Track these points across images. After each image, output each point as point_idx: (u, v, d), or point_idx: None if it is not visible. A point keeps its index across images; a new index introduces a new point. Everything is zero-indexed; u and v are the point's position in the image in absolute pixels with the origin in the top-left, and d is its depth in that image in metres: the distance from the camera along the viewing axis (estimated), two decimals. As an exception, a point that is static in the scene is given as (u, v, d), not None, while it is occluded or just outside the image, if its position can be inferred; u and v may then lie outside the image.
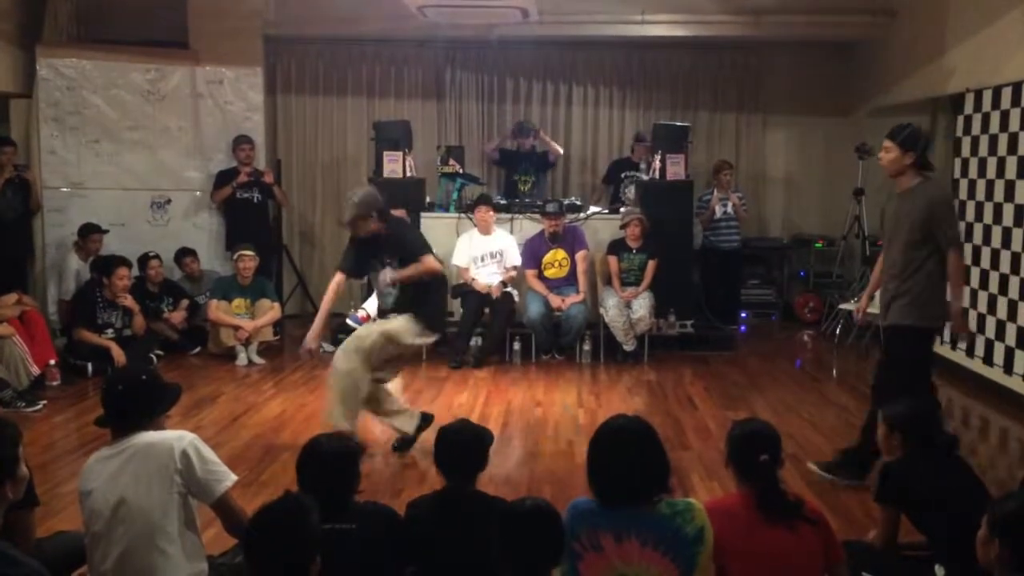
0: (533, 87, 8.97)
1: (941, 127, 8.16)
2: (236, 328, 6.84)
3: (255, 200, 7.84)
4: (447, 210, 7.45)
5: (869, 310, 4.72)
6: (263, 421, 5.34)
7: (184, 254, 7.56)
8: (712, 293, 8.05)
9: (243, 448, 4.80)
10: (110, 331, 6.51)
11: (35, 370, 5.77)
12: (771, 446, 2.59)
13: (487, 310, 6.96)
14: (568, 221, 7.15)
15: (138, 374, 2.86)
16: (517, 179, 8.04)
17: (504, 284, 6.98)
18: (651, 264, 6.97)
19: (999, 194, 6.09)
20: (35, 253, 7.53)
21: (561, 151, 8.26)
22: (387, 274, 4.57)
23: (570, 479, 4.28)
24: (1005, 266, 5.99)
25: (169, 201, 7.93)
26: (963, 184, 6.64)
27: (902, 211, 4.16)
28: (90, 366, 6.30)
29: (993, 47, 6.15)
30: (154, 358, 6.72)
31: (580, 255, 7.06)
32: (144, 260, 7.10)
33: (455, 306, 7.08)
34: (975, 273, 6.41)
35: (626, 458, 2.43)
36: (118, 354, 6.30)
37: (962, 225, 6.61)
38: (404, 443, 4.69)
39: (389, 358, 4.58)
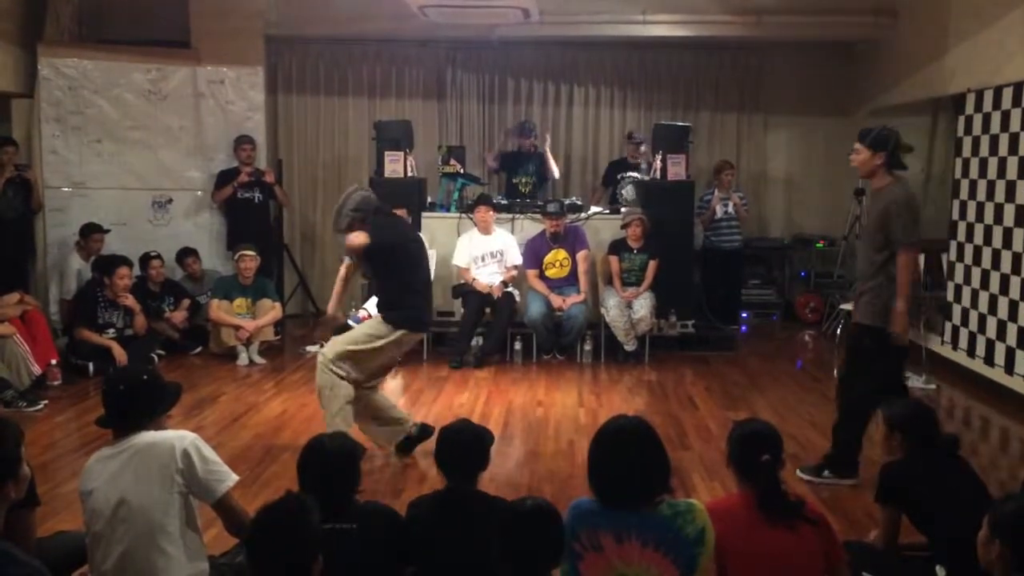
0: (534, 87, 8.97)
1: (942, 127, 8.18)
2: (237, 328, 6.85)
3: (256, 200, 7.84)
4: (448, 210, 7.46)
5: None
6: (264, 421, 5.35)
7: (185, 254, 7.57)
8: (713, 293, 8.04)
9: (244, 448, 4.80)
10: (111, 331, 6.51)
11: (36, 370, 5.78)
12: (772, 446, 2.59)
13: (488, 310, 6.97)
14: (569, 221, 7.15)
15: (139, 374, 2.86)
16: (517, 181, 8.03)
17: (505, 284, 6.99)
18: (652, 264, 6.97)
19: (1000, 194, 6.09)
20: (36, 253, 7.53)
21: (558, 175, 8.16)
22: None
23: (571, 479, 4.29)
24: (1006, 266, 5.99)
25: (170, 201, 7.94)
26: (964, 184, 6.64)
27: (872, 212, 4.27)
28: (91, 366, 6.30)
29: (994, 47, 6.15)
30: (155, 358, 6.72)
31: (581, 255, 7.07)
32: (145, 260, 7.10)
33: (456, 306, 7.09)
34: (976, 273, 6.41)
35: (627, 458, 2.43)
36: (119, 354, 6.31)
37: (963, 225, 6.63)
38: (407, 444, 4.67)
39: (370, 364, 4.51)
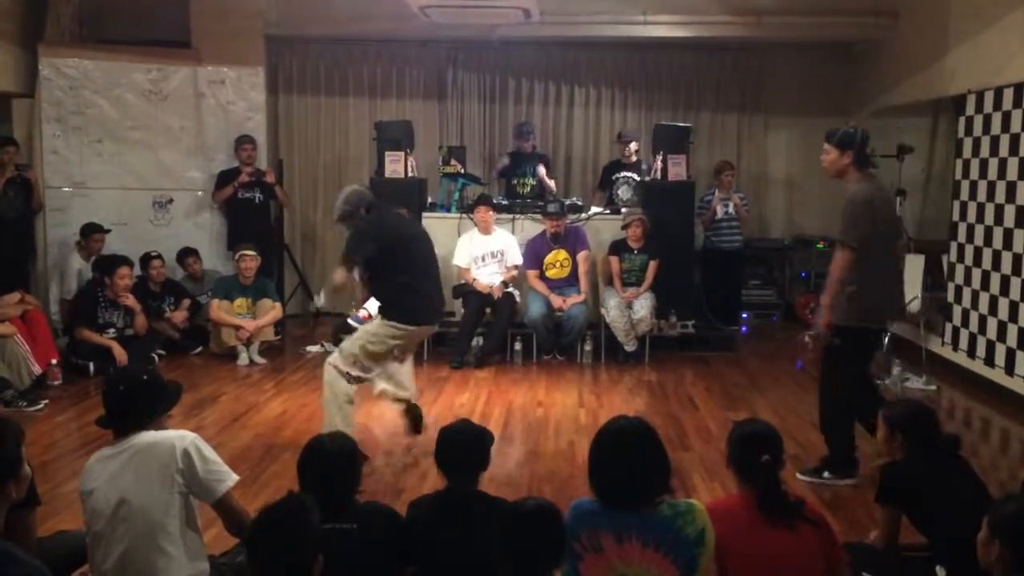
0: (535, 87, 8.97)
1: (943, 128, 8.19)
2: (237, 328, 6.85)
3: (257, 200, 7.84)
4: (448, 210, 7.46)
5: None
6: (264, 421, 5.35)
7: (186, 254, 7.57)
8: (713, 294, 8.04)
9: (244, 448, 4.80)
10: (112, 331, 6.51)
11: (37, 369, 5.79)
12: (772, 447, 2.60)
13: (488, 310, 6.97)
14: (569, 221, 7.15)
15: (139, 374, 2.86)
16: (516, 182, 8.02)
17: (505, 284, 6.99)
18: (652, 265, 6.97)
19: (1000, 195, 6.09)
20: (37, 253, 7.53)
21: (554, 193, 8.11)
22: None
23: (571, 479, 4.29)
24: (1006, 267, 5.98)
25: (171, 201, 7.94)
26: (964, 185, 6.64)
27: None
28: (92, 365, 6.30)
29: (995, 48, 6.15)
30: (155, 358, 6.72)
31: (581, 255, 7.07)
32: (146, 260, 7.10)
33: (456, 306, 7.09)
34: (976, 274, 6.41)
35: (627, 459, 2.43)
36: (119, 354, 6.31)
37: (963, 227, 6.63)
38: (413, 420, 4.83)
39: (382, 363, 4.58)
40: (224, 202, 7.84)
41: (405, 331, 4.45)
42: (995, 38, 6.14)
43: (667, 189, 7.29)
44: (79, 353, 6.40)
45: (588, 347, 7.01)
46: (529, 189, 7.96)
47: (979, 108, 6.42)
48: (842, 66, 8.74)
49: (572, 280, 7.09)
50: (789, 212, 9.18)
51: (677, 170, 7.29)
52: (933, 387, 6.22)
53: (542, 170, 7.95)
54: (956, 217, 6.77)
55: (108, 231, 7.26)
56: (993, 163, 6.20)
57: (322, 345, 7.19)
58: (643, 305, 6.88)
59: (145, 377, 2.81)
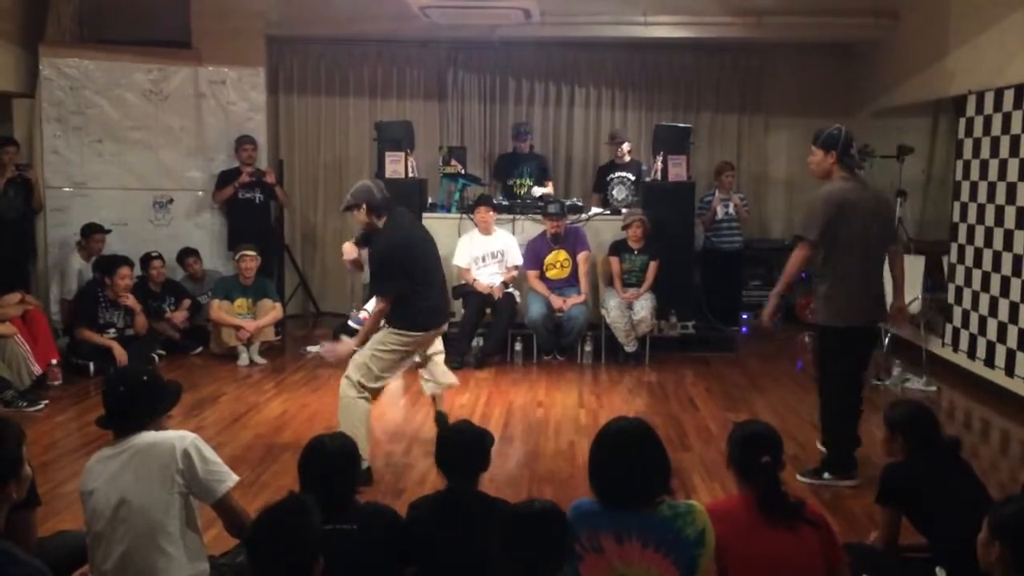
0: (535, 88, 8.97)
1: (943, 129, 8.19)
2: (238, 328, 6.85)
3: (257, 200, 7.84)
4: (449, 210, 7.46)
5: None
6: (264, 421, 5.35)
7: (186, 254, 7.57)
8: (713, 294, 8.05)
9: (244, 448, 4.80)
10: (112, 331, 6.52)
11: (37, 369, 5.79)
12: (772, 447, 2.60)
13: (488, 311, 6.97)
14: (570, 222, 7.15)
15: (139, 374, 2.85)
16: (513, 183, 8.01)
17: (505, 284, 6.99)
18: (652, 265, 6.97)
19: (1001, 197, 6.08)
20: (37, 253, 7.53)
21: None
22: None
23: (571, 480, 4.29)
24: (1007, 269, 5.98)
25: (171, 201, 7.94)
26: (965, 186, 6.64)
27: None
28: (92, 366, 6.31)
29: (995, 49, 6.15)
30: (156, 358, 6.72)
31: (582, 256, 7.07)
32: (146, 260, 7.11)
33: (456, 307, 7.09)
34: (977, 275, 6.41)
35: (628, 459, 2.43)
36: (120, 354, 6.31)
37: (964, 228, 6.63)
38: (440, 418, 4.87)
39: (394, 365, 4.49)
40: (224, 202, 7.84)
41: (413, 338, 4.42)
42: (995, 39, 6.15)
43: (667, 190, 7.28)
44: (79, 353, 6.40)
45: (588, 348, 7.01)
46: (526, 190, 7.95)
47: (979, 109, 6.42)
48: (842, 66, 8.74)
49: (572, 281, 7.09)
50: (789, 212, 9.17)
51: (677, 171, 7.29)
52: (933, 388, 6.22)
53: (545, 189, 7.88)
54: (956, 218, 6.77)
55: (108, 231, 7.26)
56: (993, 164, 6.20)
57: (322, 345, 7.17)
58: (643, 306, 6.88)
59: (145, 377, 2.81)
